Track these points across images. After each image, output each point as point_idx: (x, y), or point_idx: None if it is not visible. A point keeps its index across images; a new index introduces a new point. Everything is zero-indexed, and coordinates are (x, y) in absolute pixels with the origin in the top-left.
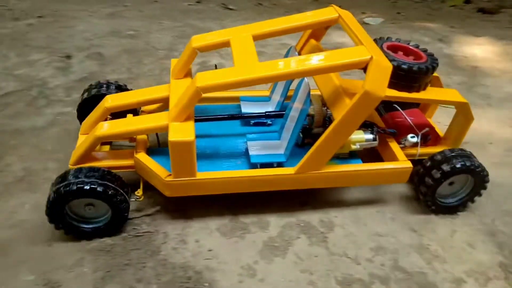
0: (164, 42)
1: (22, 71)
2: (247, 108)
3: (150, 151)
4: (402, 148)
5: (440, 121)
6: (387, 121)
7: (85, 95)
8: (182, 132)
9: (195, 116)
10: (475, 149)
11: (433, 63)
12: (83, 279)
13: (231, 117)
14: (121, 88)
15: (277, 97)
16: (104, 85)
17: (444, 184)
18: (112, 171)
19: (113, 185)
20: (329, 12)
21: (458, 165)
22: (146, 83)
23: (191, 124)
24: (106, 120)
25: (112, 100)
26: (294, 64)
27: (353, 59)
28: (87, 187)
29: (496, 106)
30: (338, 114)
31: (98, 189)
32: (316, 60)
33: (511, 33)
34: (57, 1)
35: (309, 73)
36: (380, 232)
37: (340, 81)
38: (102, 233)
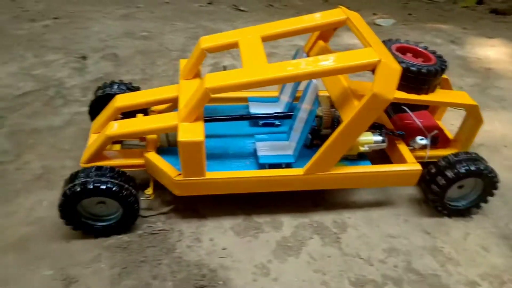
0: (177, 43)
1: (39, 71)
2: (255, 109)
3: (160, 151)
4: (411, 150)
5: (454, 123)
6: (395, 123)
7: (96, 95)
8: (191, 132)
9: (204, 117)
10: (489, 151)
11: (442, 65)
12: (100, 275)
13: (240, 118)
14: (128, 87)
15: (285, 98)
16: (115, 85)
17: (452, 188)
18: (123, 170)
19: (124, 184)
20: (337, 14)
21: (463, 170)
22: (160, 83)
23: (200, 125)
24: (116, 119)
25: (122, 100)
26: (302, 66)
27: (361, 61)
28: (103, 187)
29: (510, 108)
30: (347, 116)
31: (114, 188)
32: (324, 62)
33: None
34: (72, 2)
35: (318, 75)
36: (393, 233)
37: (349, 82)
38: (114, 230)
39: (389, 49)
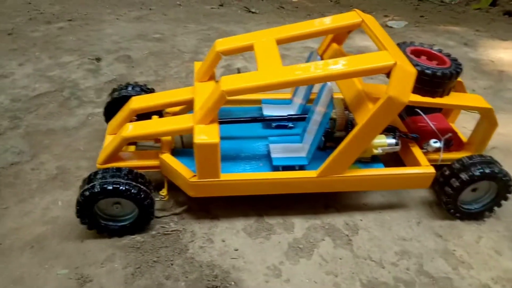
0: (190, 45)
1: (55, 73)
2: (269, 111)
3: (175, 152)
4: (425, 153)
5: (466, 126)
6: (409, 126)
7: (111, 97)
8: (207, 134)
9: (218, 118)
10: (503, 155)
11: (457, 68)
12: (114, 274)
13: (254, 120)
14: (143, 89)
15: (298, 100)
16: (130, 87)
17: (466, 191)
18: (138, 171)
19: (141, 186)
20: (352, 17)
21: (477, 173)
22: (173, 85)
23: (215, 127)
24: (131, 121)
25: (138, 102)
26: (318, 69)
27: (377, 65)
28: (122, 188)
29: None
30: (361, 119)
31: (133, 190)
32: (339, 65)
33: None
34: (86, 4)
35: (333, 78)
36: (405, 236)
37: (363, 85)
38: (129, 231)
39: (404, 52)
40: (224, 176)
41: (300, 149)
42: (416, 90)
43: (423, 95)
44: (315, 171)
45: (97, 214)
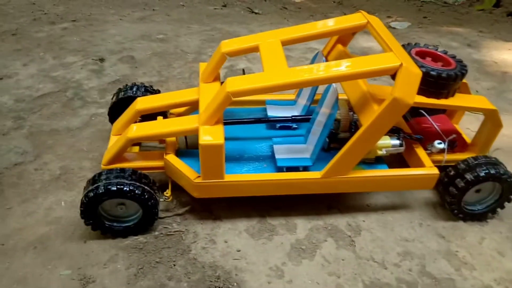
0: (193, 46)
1: (58, 73)
2: (273, 112)
3: (179, 153)
4: (429, 154)
5: (469, 127)
6: (413, 127)
7: (117, 97)
8: (212, 135)
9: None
10: (506, 156)
11: (462, 70)
12: (117, 275)
13: (258, 121)
14: (149, 90)
15: (303, 101)
16: (134, 88)
17: (470, 192)
18: (142, 171)
19: (145, 187)
20: (358, 18)
21: (482, 174)
22: (176, 86)
23: (220, 128)
24: (136, 122)
25: (143, 103)
26: (323, 70)
27: (383, 66)
28: (126, 189)
29: None
30: (366, 121)
31: (137, 191)
32: (345, 66)
33: None
34: (89, 5)
35: (339, 79)
36: (407, 237)
37: (368, 86)
38: (132, 231)
39: (409, 53)
40: (229, 177)
41: (304, 150)
42: (421, 91)
43: (428, 96)
44: (319, 172)
45: (101, 215)
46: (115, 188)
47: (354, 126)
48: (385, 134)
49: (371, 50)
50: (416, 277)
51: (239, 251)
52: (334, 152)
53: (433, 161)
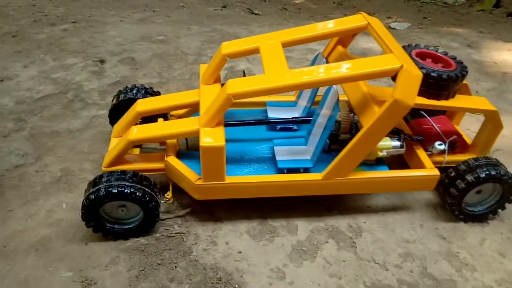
0: (193, 47)
1: (59, 75)
2: (273, 113)
3: (180, 155)
4: (429, 156)
5: (469, 128)
6: (413, 128)
7: (117, 99)
8: (213, 137)
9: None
10: (507, 157)
11: (462, 71)
12: (118, 277)
13: (259, 122)
14: (149, 91)
15: (303, 103)
16: (134, 89)
17: (470, 193)
18: (143, 173)
19: (146, 189)
20: (358, 20)
21: (483, 175)
22: (176, 87)
23: (221, 130)
24: (136, 124)
25: (143, 105)
26: (324, 72)
27: (383, 68)
28: (127, 191)
29: None
30: (367, 122)
31: (138, 193)
32: (346, 68)
33: None
34: (90, 6)
35: (339, 81)
36: (408, 238)
37: (368, 88)
38: (133, 234)
39: (409, 55)
40: (229, 179)
41: (304, 152)
42: (422, 92)
43: (429, 97)
44: (320, 173)
45: (102, 217)
46: (116, 190)
47: (354, 127)
48: (386, 136)
49: (371, 51)
50: (417, 278)
51: (240, 252)
52: (334, 154)
53: (434, 162)
